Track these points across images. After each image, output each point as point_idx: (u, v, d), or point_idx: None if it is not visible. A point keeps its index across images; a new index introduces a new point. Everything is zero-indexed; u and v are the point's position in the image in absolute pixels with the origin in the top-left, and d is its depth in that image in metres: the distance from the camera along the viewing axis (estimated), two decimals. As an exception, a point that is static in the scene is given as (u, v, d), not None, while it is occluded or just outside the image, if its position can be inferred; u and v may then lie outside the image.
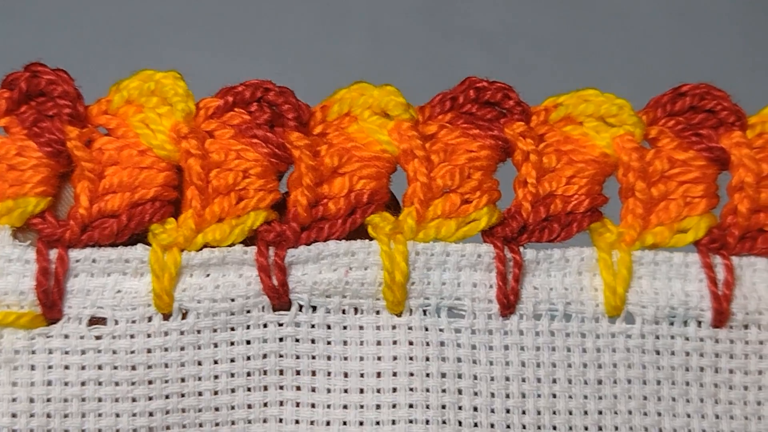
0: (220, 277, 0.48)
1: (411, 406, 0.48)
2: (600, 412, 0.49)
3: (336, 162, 0.48)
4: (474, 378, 0.48)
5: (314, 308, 0.48)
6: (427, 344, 0.48)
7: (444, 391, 0.48)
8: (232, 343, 0.48)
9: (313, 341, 0.48)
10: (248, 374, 0.47)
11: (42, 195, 0.46)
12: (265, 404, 0.48)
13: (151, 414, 0.47)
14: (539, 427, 0.48)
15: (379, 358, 0.48)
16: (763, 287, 0.50)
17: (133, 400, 0.47)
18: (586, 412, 0.49)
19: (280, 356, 0.48)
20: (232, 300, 0.47)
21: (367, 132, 0.49)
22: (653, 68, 1.25)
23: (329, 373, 0.48)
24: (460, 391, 0.48)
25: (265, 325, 0.48)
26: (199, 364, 0.47)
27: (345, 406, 0.48)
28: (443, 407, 0.48)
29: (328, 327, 0.48)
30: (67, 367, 0.46)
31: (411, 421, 0.47)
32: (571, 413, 0.48)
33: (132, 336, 0.47)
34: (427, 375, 0.48)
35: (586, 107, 0.50)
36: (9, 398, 0.46)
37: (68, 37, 1.28)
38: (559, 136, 0.50)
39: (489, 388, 0.48)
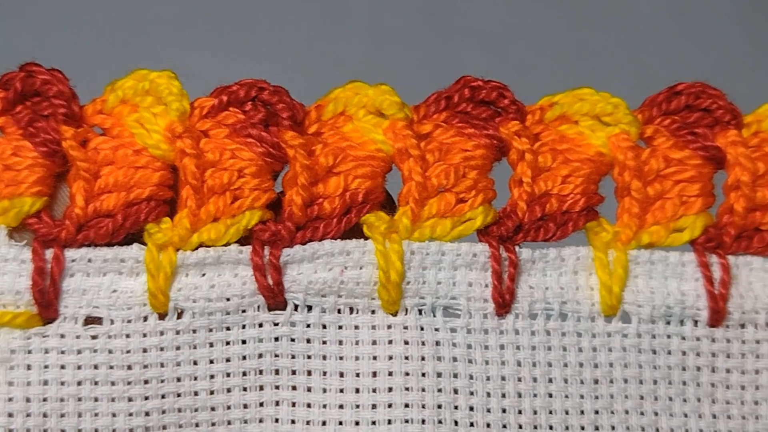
0: (215, 276, 0.48)
1: (407, 405, 0.48)
2: (596, 412, 0.49)
3: (331, 161, 0.48)
4: (470, 377, 0.49)
5: (310, 308, 0.49)
6: (423, 344, 0.48)
7: (440, 390, 0.48)
8: (228, 343, 0.48)
9: (308, 341, 0.49)
10: (244, 374, 0.48)
11: (38, 195, 0.47)
12: (261, 404, 0.48)
13: (147, 414, 0.47)
14: (536, 427, 0.49)
15: (374, 358, 0.49)
16: (760, 286, 0.50)
17: (130, 399, 0.47)
18: (582, 412, 0.49)
19: (276, 356, 0.48)
20: (228, 299, 0.48)
21: (362, 131, 0.49)
22: (653, 68, 1.26)
23: (325, 373, 0.48)
24: (456, 391, 0.48)
25: (260, 325, 0.48)
26: (195, 363, 0.48)
27: (341, 406, 0.48)
28: (439, 407, 0.48)
29: (324, 326, 0.49)
30: (63, 367, 0.47)
31: (407, 421, 0.48)
32: (567, 413, 0.49)
33: (128, 335, 0.47)
34: (423, 374, 0.48)
35: (582, 106, 0.50)
36: (5, 398, 0.46)
37: (63, 37, 1.29)
38: (554, 135, 0.50)
39: (485, 388, 0.49)
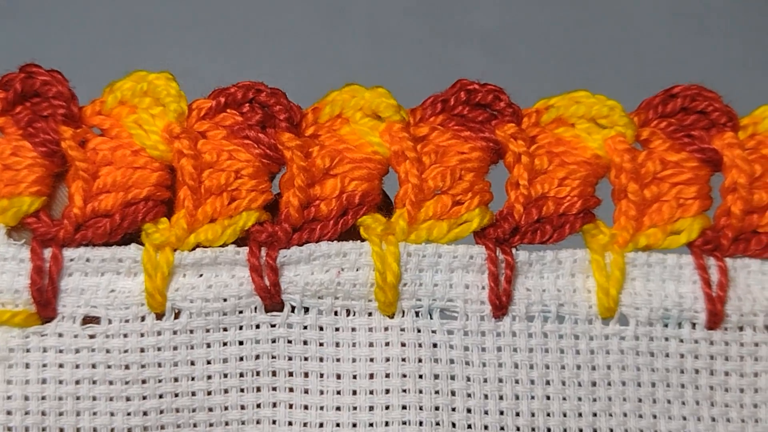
0: (212, 277, 0.49)
1: (404, 407, 0.49)
2: (594, 414, 0.49)
3: (327, 163, 0.49)
4: (467, 379, 0.49)
5: (306, 309, 0.49)
6: (420, 346, 0.49)
7: (437, 392, 0.49)
8: (225, 344, 0.49)
9: (305, 342, 0.49)
10: (241, 375, 0.49)
11: (36, 194, 0.48)
12: (258, 405, 0.49)
13: (145, 413, 0.48)
14: (533, 429, 0.49)
15: (371, 360, 0.49)
16: (758, 289, 0.51)
17: (127, 399, 0.48)
18: (580, 414, 0.49)
19: (273, 357, 0.49)
20: (225, 300, 0.49)
21: (358, 134, 0.50)
22: (653, 68, 1.27)
23: (322, 375, 0.49)
24: (453, 393, 0.49)
25: (257, 326, 0.49)
26: (192, 364, 0.49)
27: (338, 408, 0.49)
28: (436, 408, 0.49)
29: (321, 328, 0.49)
30: (61, 366, 0.48)
31: (404, 423, 0.49)
32: (565, 415, 0.49)
33: (125, 335, 0.48)
34: (420, 376, 0.49)
35: (578, 109, 0.51)
36: (4, 396, 0.47)
37: (63, 38, 1.30)
38: (550, 138, 0.51)
39: (482, 390, 0.49)
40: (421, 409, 0.49)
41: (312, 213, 0.49)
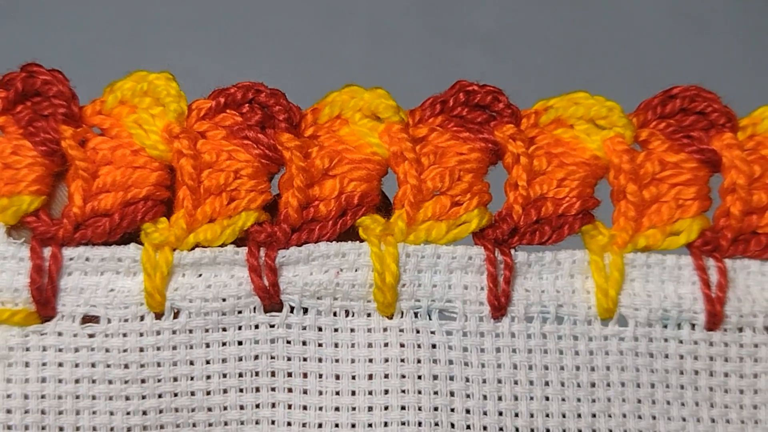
0: (211, 277, 0.50)
1: (403, 408, 0.49)
2: (593, 415, 0.50)
3: (327, 164, 0.50)
4: (466, 380, 0.50)
5: (305, 310, 0.50)
6: (419, 346, 0.50)
7: (436, 393, 0.49)
8: (224, 344, 0.49)
9: (304, 343, 0.50)
10: (240, 375, 0.49)
11: (36, 193, 0.48)
12: (257, 405, 0.50)
13: (144, 413, 0.49)
14: (532, 430, 0.50)
15: (370, 360, 0.50)
16: (757, 290, 0.51)
17: (127, 398, 0.49)
18: (579, 415, 0.50)
19: (272, 358, 0.50)
20: (224, 300, 0.49)
21: (357, 134, 0.51)
22: (652, 68, 1.27)
23: (321, 375, 0.50)
24: (452, 393, 0.49)
25: (256, 326, 0.50)
26: (191, 363, 0.49)
27: (337, 408, 0.50)
28: (435, 409, 0.49)
29: (320, 329, 0.50)
30: (60, 365, 0.48)
31: (403, 423, 0.49)
32: (564, 416, 0.50)
33: (124, 334, 0.49)
34: (419, 377, 0.49)
35: (576, 110, 0.52)
36: (3, 394, 0.48)
37: (63, 39, 1.31)
38: (549, 139, 0.51)
39: (481, 391, 0.50)
40: (419, 409, 0.49)
41: (311, 213, 0.50)
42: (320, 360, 0.50)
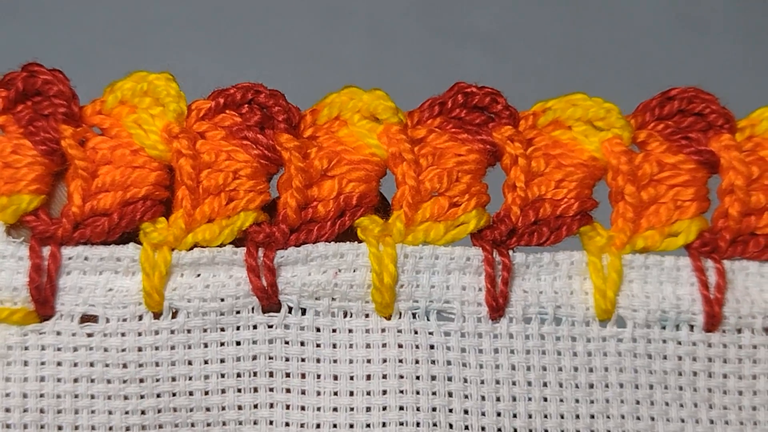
0: (210, 277, 0.50)
1: (401, 408, 0.50)
2: (592, 416, 0.50)
3: (325, 164, 0.51)
4: (464, 381, 0.50)
5: (304, 311, 0.51)
6: (417, 347, 0.50)
7: (434, 393, 0.50)
8: (222, 344, 0.50)
9: (302, 343, 0.50)
10: (238, 375, 0.50)
11: (36, 193, 0.49)
12: (256, 406, 0.50)
13: (143, 412, 0.49)
14: (530, 431, 0.50)
15: (368, 361, 0.50)
16: (756, 291, 0.52)
17: (125, 397, 0.49)
18: (577, 416, 0.50)
19: (270, 358, 0.50)
20: (222, 300, 0.50)
21: (356, 135, 0.51)
22: (653, 68, 1.28)
23: (319, 376, 0.50)
24: (450, 394, 0.50)
25: (254, 327, 0.50)
26: (190, 363, 0.50)
27: (335, 409, 0.50)
28: (434, 410, 0.50)
29: (318, 330, 0.51)
30: (59, 364, 0.49)
31: (401, 423, 0.50)
32: (562, 417, 0.50)
33: (123, 334, 0.49)
34: (417, 377, 0.50)
35: (574, 111, 0.52)
36: (2, 393, 0.49)
37: (63, 39, 1.31)
38: (547, 140, 0.52)
39: (479, 392, 0.50)
40: (418, 410, 0.50)
41: (309, 214, 0.50)
42: (318, 360, 0.50)
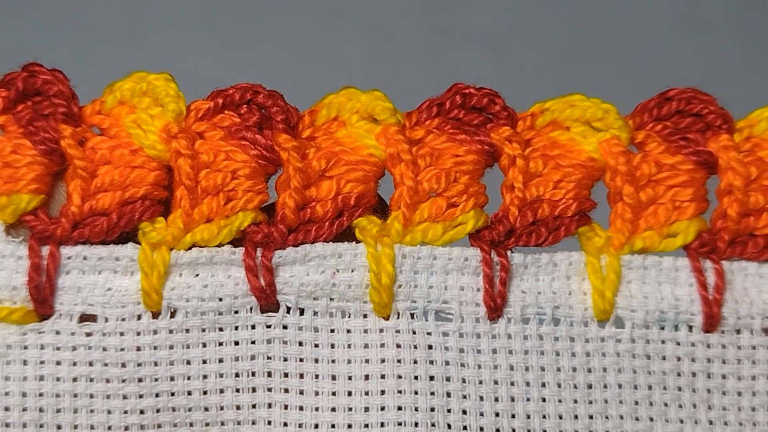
0: (208, 276, 0.51)
1: (400, 408, 0.50)
2: (591, 417, 0.51)
3: (323, 165, 0.51)
4: (462, 381, 0.51)
5: (302, 311, 0.51)
6: (415, 347, 0.51)
7: (433, 393, 0.50)
8: (221, 344, 0.51)
9: (300, 344, 0.51)
10: (236, 375, 0.51)
11: (35, 192, 0.50)
12: (254, 406, 0.51)
13: (142, 412, 0.50)
14: (529, 431, 0.51)
15: (366, 361, 0.51)
16: (755, 292, 0.52)
17: (124, 397, 0.50)
18: (576, 417, 0.51)
19: (268, 358, 0.51)
20: (220, 300, 0.50)
21: (354, 136, 0.52)
22: (652, 68, 1.28)
23: (317, 376, 0.51)
24: (448, 394, 0.51)
25: (253, 327, 0.51)
26: (188, 363, 0.50)
27: (333, 409, 0.51)
28: (432, 410, 0.50)
29: (316, 330, 0.51)
30: (58, 363, 0.50)
31: (400, 424, 0.50)
32: (561, 417, 0.51)
33: (122, 333, 0.50)
34: (416, 378, 0.50)
35: (572, 112, 0.53)
36: (2, 392, 0.49)
37: (63, 39, 1.32)
38: (545, 141, 0.53)
39: (478, 392, 0.51)
40: (416, 410, 0.50)
41: (308, 214, 0.51)
42: (317, 361, 0.51)
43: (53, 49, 1.28)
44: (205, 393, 0.50)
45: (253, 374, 0.51)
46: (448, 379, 0.51)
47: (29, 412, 0.49)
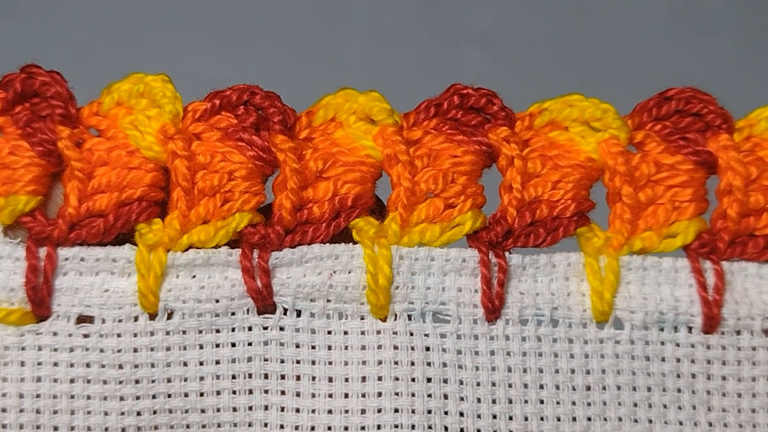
0: (205, 278, 0.52)
1: (396, 410, 0.51)
2: (589, 419, 0.52)
3: (320, 166, 0.52)
4: (460, 383, 0.51)
5: (299, 312, 0.52)
6: (413, 349, 0.51)
7: (430, 396, 0.51)
8: (218, 345, 0.51)
9: (297, 345, 0.52)
10: (233, 377, 0.51)
11: (33, 194, 0.51)
12: (250, 408, 0.51)
13: (138, 413, 0.51)
14: None
15: (364, 363, 0.52)
16: (755, 292, 0.53)
17: (121, 398, 0.51)
18: (574, 419, 0.52)
19: (265, 360, 0.52)
20: (217, 301, 0.51)
21: (352, 137, 0.53)
22: (652, 68, 1.29)
23: (314, 378, 0.52)
24: (446, 396, 0.51)
25: (249, 328, 0.52)
26: (185, 365, 0.51)
27: (330, 411, 0.51)
28: (429, 412, 0.51)
29: (313, 331, 0.52)
30: (56, 364, 0.51)
31: (396, 426, 0.51)
32: (559, 419, 0.51)
33: (119, 335, 0.51)
34: (413, 380, 0.51)
35: (571, 112, 0.53)
36: None
37: (63, 39, 1.32)
38: (544, 142, 0.53)
39: (475, 394, 0.51)
40: (413, 412, 0.51)
41: (304, 215, 0.52)
42: (313, 362, 0.52)
43: (52, 49, 1.28)
44: (201, 395, 0.51)
45: (250, 376, 0.51)
46: (445, 381, 0.51)
47: (26, 414, 0.50)
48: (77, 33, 1.35)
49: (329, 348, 0.52)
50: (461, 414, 0.51)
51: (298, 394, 0.52)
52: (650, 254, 0.53)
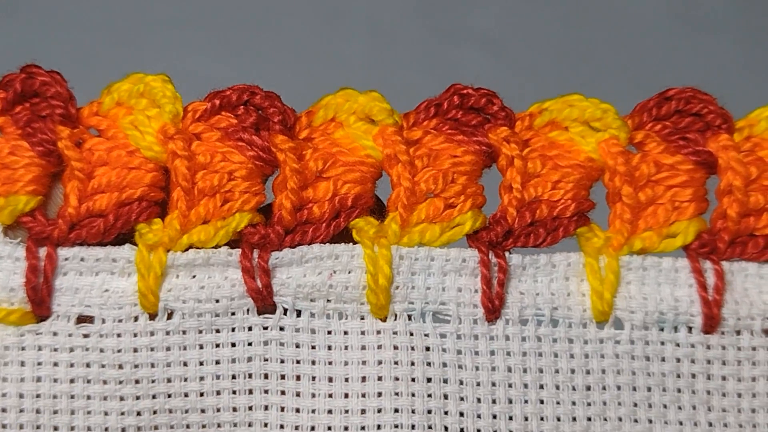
0: (205, 278, 0.52)
1: (396, 410, 0.51)
2: (589, 419, 0.52)
3: (320, 166, 0.52)
4: (460, 383, 0.52)
5: (299, 312, 0.52)
6: (413, 349, 0.52)
7: (430, 396, 0.51)
8: (218, 345, 0.52)
9: (297, 345, 0.52)
10: (233, 377, 0.51)
11: (33, 194, 0.51)
12: (251, 408, 0.52)
13: (138, 413, 0.51)
14: None
15: (363, 363, 0.52)
16: (755, 292, 0.53)
17: (121, 398, 0.51)
18: (574, 419, 0.52)
19: (265, 360, 0.52)
20: (217, 301, 0.51)
21: (352, 137, 0.53)
22: (652, 68, 1.29)
23: (314, 378, 0.52)
24: (446, 396, 0.51)
25: (249, 328, 0.52)
26: (185, 365, 0.51)
27: (330, 411, 0.52)
28: (429, 412, 0.51)
29: (313, 331, 0.52)
30: (56, 364, 0.51)
31: (396, 426, 0.51)
32: (559, 419, 0.52)
33: (119, 335, 0.51)
34: (413, 380, 0.51)
35: (571, 112, 0.54)
36: None
37: (63, 38, 1.33)
38: (544, 141, 0.53)
39: (475, 394, 0.51)
40: (413, 412, 0.51)
41: (304, 215, 0.52)
42: (313, 362, 0.52)
43: (52, 49, 1.29)
44: (201, 395, 0.51)
45: (250, 376, 0.52)
46: (445, 381, 0.51)
47: (26, 414, 0.51)
48: (77, 33, 1.35)
49: (329, 348, 0.52)
50: (461, 414, 0.51)
51: (298, 394, 0.52)
52: (650, 254, 0.53)
